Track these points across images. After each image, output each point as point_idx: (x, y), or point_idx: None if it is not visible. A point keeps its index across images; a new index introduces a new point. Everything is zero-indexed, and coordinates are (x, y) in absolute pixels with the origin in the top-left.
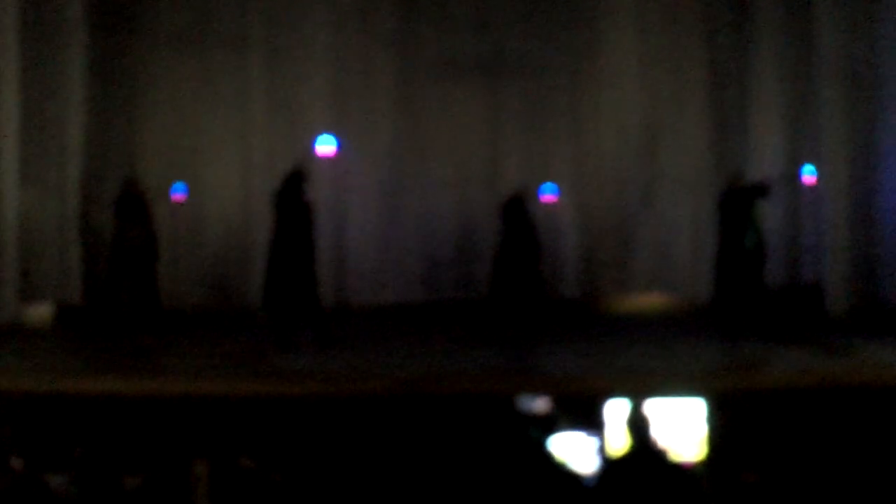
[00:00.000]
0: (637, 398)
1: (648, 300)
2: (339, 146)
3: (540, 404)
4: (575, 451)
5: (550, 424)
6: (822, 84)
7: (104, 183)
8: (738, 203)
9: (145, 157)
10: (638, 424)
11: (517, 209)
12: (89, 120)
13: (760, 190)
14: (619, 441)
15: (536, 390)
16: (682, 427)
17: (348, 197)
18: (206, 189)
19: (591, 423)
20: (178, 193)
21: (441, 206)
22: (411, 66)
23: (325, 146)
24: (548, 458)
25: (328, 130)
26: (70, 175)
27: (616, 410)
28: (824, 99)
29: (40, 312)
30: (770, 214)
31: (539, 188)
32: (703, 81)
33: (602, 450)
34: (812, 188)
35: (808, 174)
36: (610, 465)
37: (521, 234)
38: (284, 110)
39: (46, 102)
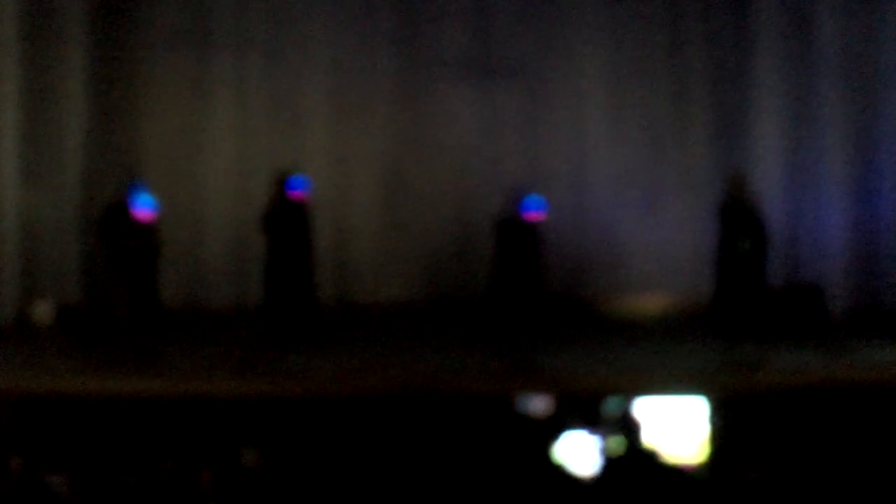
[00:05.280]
0: (632, 398)
1: (648, 300)
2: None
3: (540, 404)
4: (575, 451)
5: (551, 424)
6: (822, 83)
7: (104, 183)
8: (735, 208)
9: (145, 157)
10: (631, 425)
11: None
12: (89, 120)
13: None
14: (618, 441)
15: (536, 390)
16: (683, 427)
17: (348, 197)
18: (206, 189)
19: (591, 423)
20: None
21: (441, 205)
22: (411, 66)
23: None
24: (548, 458)
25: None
26: (70, 175)
27: (614, 410)
28: (824, 98)
29: (40, 312)
30: (771, 215)
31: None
32: (704, 81)
33: (602, 450)
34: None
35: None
36: (610, 465)
37: (520, 236)
38: (284, 110)
39: (46, 102)
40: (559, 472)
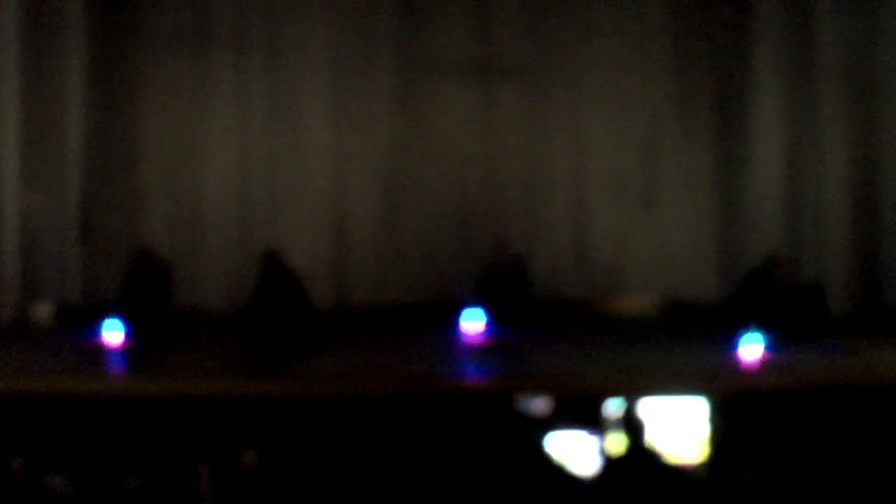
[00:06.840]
0: (632, 398)
1: (648, 301)
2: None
3: (540, 404)
4: (575, 451)
5: (550, 424)
6: (822, 84)
7: (104, 183)
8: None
9: (145, 158)
10: (633, 425)
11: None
12: (89, 121)
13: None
14: (617, 441)
15: (536, 390)
16: (683, 427)
17: (348, 197)
18: (206, 189)
19: (591, 423)
20: None
21: (441, 206)
22: (411, 66)
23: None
24: (548, 458)
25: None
26: (70, 176)
27: (614, 410)
28: (824, 99)
29: (40, 312)
30: (770, 215)
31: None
32: (704, 81)
33: (602, 450)
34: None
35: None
36: (609, 465)
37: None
38: (284, 110)
39: (46, 103)
40: (559, 472)
